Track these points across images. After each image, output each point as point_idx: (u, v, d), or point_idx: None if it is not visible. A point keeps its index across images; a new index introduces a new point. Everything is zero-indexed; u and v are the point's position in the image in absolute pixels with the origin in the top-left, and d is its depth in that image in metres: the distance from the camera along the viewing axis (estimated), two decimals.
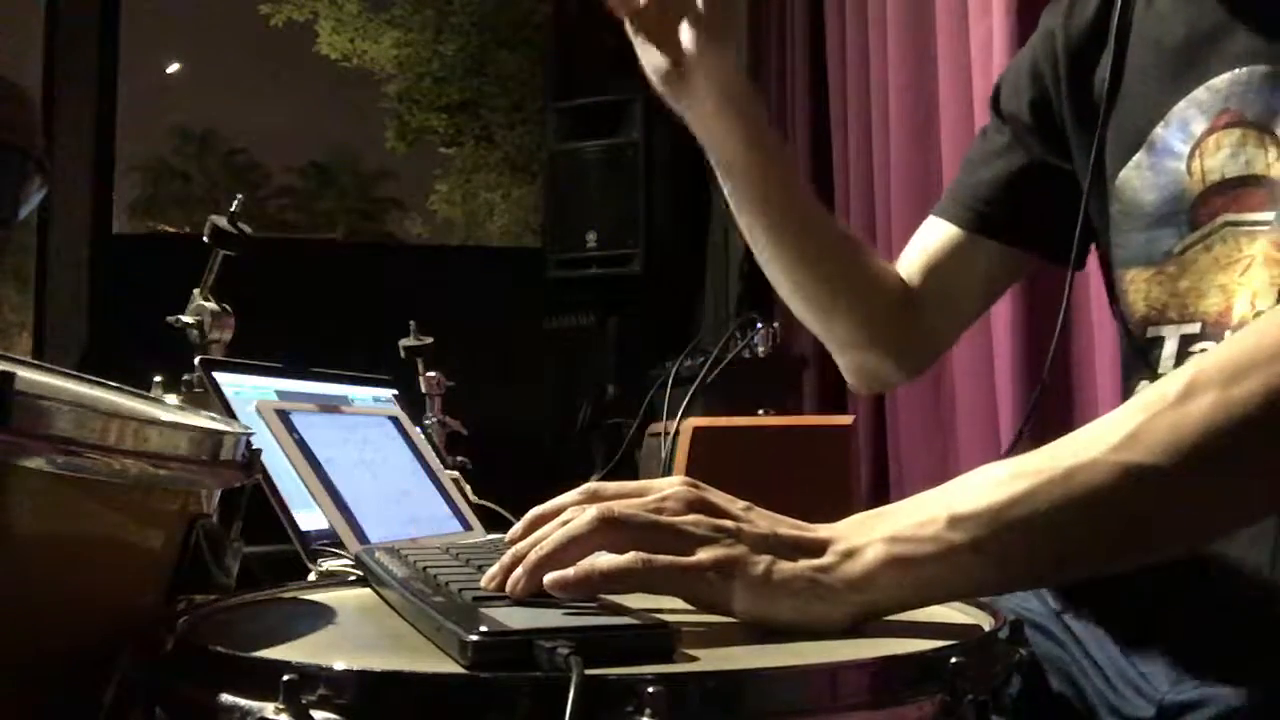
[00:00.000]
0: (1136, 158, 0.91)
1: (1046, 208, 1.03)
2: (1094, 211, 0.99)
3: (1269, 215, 0.83)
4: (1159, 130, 0.90)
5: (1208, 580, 0.83)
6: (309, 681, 0.51)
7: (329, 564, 1.09)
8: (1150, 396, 0.65)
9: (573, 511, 0.66)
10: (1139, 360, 0.93)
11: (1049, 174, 1.04)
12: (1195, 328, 0.86)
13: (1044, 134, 1.04)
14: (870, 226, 2.76)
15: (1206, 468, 0.63)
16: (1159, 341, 0.89)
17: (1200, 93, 0.87)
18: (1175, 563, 0.84)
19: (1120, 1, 0.96)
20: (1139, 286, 0.91)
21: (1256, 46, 0.84)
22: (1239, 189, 0.84)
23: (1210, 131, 0.86)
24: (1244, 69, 0.84)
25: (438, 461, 1.40)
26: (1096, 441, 0.64)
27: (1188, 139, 0.87)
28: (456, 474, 1.41)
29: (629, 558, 0.63)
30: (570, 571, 0.63)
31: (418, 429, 1.49)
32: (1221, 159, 0.85)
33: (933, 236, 1.12)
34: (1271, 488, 0.65)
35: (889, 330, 1.14)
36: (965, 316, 1.16)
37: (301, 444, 1.09)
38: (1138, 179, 0.91)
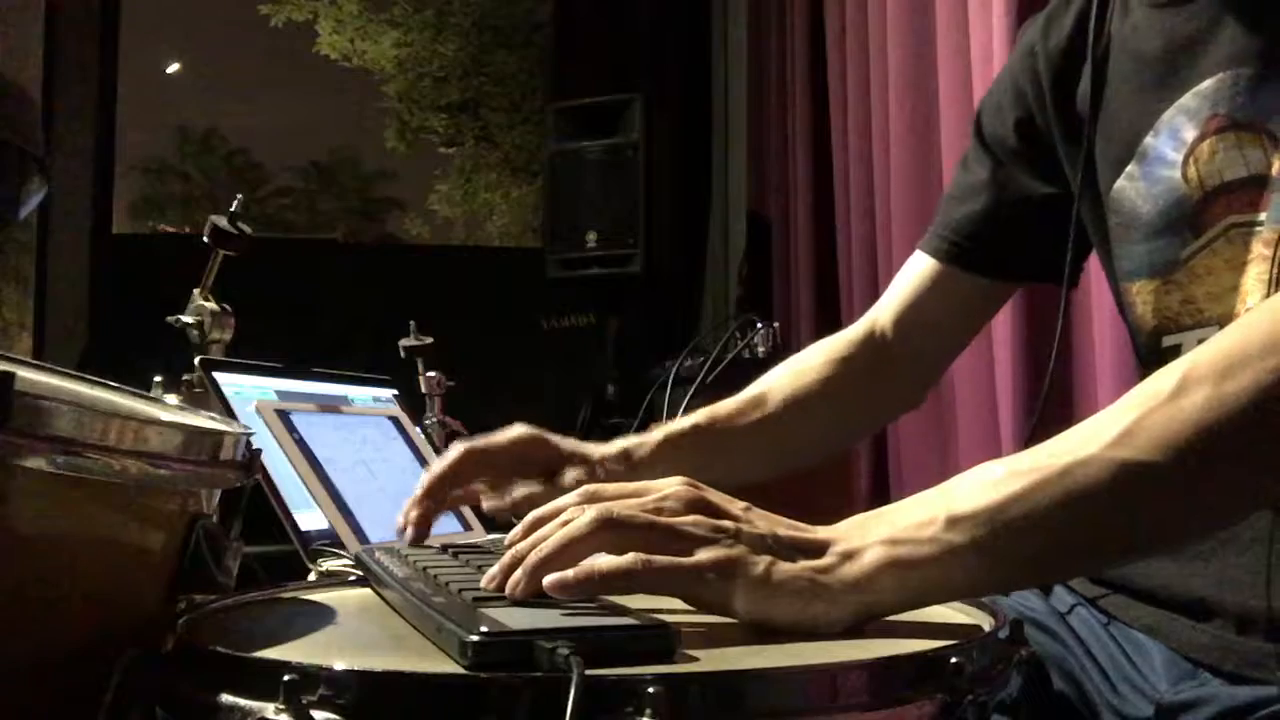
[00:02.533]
0: (1129, 169, 0.91)
1: (1028, 237, 1.04)
2: (1091, 227, 0.98)
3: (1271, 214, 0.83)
4: (1149, 140, 0.89)
5: (1206, 580, 0.83)
6: (309, 681, 0.51)
7: (329, 564, 1.09)
8: (1144, 393, 0.65)
9: (573, 512, 0.66)
10: (1155, 369, 0.92)
11: (1028, 204, 1.04)
12: (1212, 331, 0.85)
13: (1031, 154, 1.04)
14: (870, 227, 2.76)
15: (1200, 463, 0.63)
16: (1175, 349, 0.88)
17: (1188, 99, 0.86)
18: (1174, 562, 0.85)
19: (1096, 15, 0.95)
20: (1146, 298, 0.90)
21: (1239, 51, 0.84)
22: (1243, 190, 0.83)
23: (1202, 137, 0.85)
24: (1229, 73, 0.84)
25: None
26: (1092, 438, 0.64)
27: (1179, 146, 0.87)
28: None
29: (629, 558, 0.63)
30: (570, 572, 0.63)
31: (418, 429, 1.50)
32: (1220, 162, 0.84)
33: (915, 268, 1.13)
34: (1266, 481, 0.65)
35: (892, 406, 1.23)
36: (953, 344, 1.18)
37: (301, 444, 1.10)
38: (1132, 190, 0.91)
